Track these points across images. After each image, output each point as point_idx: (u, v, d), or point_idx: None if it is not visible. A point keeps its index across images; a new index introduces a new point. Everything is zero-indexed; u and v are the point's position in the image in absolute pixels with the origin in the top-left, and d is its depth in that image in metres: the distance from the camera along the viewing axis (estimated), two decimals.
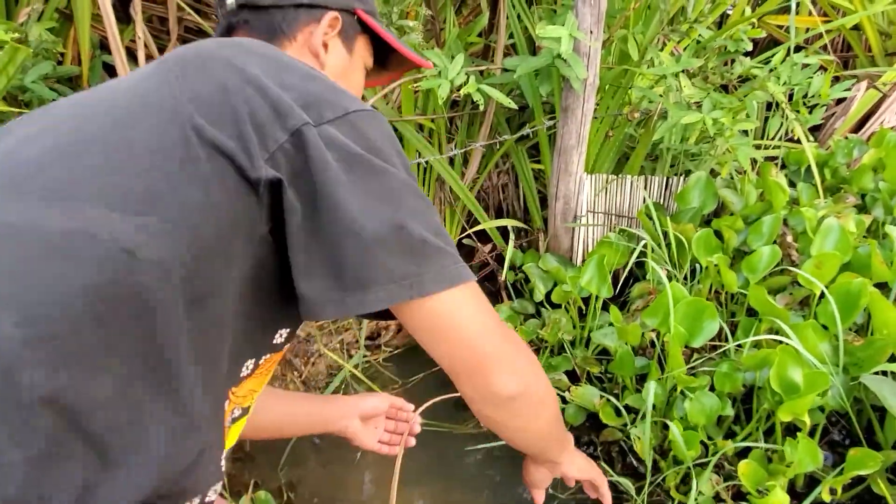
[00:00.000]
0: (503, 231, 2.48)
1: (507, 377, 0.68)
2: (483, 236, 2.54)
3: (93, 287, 0.55)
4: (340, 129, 0.62)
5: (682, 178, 2.39)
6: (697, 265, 2.11)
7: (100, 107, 0.64)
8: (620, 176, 2.26)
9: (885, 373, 1.57)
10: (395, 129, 2.42)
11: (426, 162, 2.34)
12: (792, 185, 2.50)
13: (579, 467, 1.02)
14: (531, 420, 0.73)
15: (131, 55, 1.95)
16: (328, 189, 0.60)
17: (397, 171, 0.65)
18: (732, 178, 2.40)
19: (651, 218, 2.20)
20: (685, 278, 2.12)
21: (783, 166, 2.80)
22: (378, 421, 1.29)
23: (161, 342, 0.59)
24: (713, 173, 2.45)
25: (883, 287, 1.80)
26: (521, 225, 2.49)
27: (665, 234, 2.17)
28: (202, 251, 0.60)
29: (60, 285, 0.54)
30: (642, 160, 2.41)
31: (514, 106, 1.90)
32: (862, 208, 2.41)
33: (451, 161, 2.61)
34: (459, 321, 0.65)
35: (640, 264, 2.22)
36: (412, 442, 1.29)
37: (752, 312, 2.02)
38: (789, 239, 2.05)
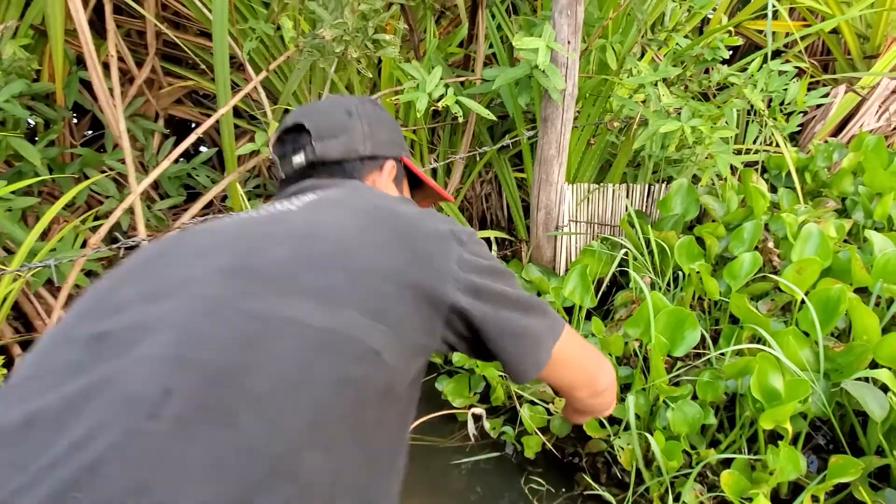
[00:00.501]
0: (487, 242, 2.48)
1: (603, 378, 0.96)
2: None
3: (348, 379, 0.64)
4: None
5: (664, 186, 2.40)
6: (680, 272, 2.12)
7: (322, 232, 0.74)
8: (602, 185, 2.26)
9: (866, 379, 1.58)
10: None
11: None
12: (773, 189, 2.52)
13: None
14: (611, 397, 1.03)
15: (108, 71, 1.94)
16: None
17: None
18: (714, 184, 2.41)
19: (633, 226, 2.20)
20: (668, 286, 2.13)
21: (764, 171, 2.82)
22: None
23: (382, 433, 0.69)
24: (695, 179, 2.46)
25: (863, 292, 1.81)
26: (504, 235, 2.49)
27: (647, 242, 2.17)
28: (408, 362, 0.72)
29: (330, 374, 0.63)
30: (624, 168, 2.41)
31: (492, 118, 1.90)
32: (842, 212, 2.42)
33: (434, 172, 2.61)
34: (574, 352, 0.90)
35: (624, 272, 2.23)
36: None
37: (734, 319, 2.03)
38: (770, 245, 2.06)
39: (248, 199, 2.24)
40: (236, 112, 2.47)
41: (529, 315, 0.82)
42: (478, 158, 2.53)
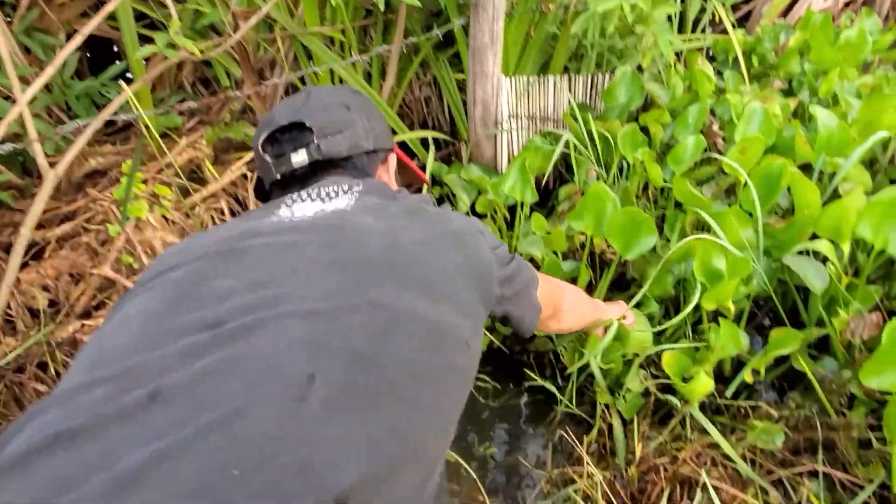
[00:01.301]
0: (425, 143, 2.37)
1: (565, 302, 1.23)
2: (409, 152, 2.42)
3: (455, 367, 0.72)
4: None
5: (608, 76, 2.30)
6: (626, 163, 2.05)
7: (393, 234, 0.78)
8: (543, 77, 2.15)
9: (807, 252, 1.56)
10: (302, 44, 2.25)
11: (340, 79, 2.19)
12: (721, 75, 2.44)
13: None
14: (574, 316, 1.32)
15: None
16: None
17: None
18: (660, 72, 2.31)
19: (576, 118, 2.11)
20: (614, 178, 2.06)
21: (713, 58, 2.73)
22: None
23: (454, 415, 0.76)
24: (640, 70, 2.36)
25: (807, 169, 1.77)
26: (442, 136, 2.38)
27: (592, 134, 2.09)
28: (479, 348, 0.84)
29: (443, 363, 0.70)
30: (565, 59, 2.29)
31: (417, 4, 1.75)
32: (789, 92, 2.37)
33: (369, 77, 2.46)
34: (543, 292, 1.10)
35: (570, 168, 2.15)
36: None
37: (679, 206, 1.99)
38: (715, 128, 2.00)
39: (167, 114, 2.08)
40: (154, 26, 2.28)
41: (521, 274, 0.99)
42: (413, 57, 2.38)
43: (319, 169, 0.94)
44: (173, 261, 0.74)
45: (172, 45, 1.66)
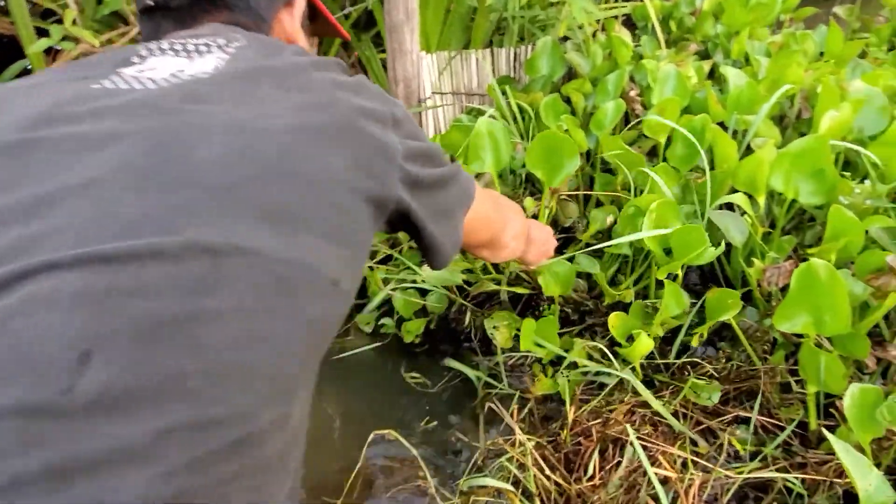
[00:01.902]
0: None
1: (508, 232, 1.03)
2: None
3: (310, 321, 0.54)
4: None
5: (531, 49, 2.30)
6: None
7: (257, 123, 0.57)
8: (465, 52, 2.14)
9: (729, 206, 1.60)
10: None
11: None
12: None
13: (535, 257, 1.32)
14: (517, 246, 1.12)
15: None
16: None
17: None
18: (581, 42, 2.33)
19: (502, 92, 2.11)
20: None
21: (633, 25, 2.77)
22: None
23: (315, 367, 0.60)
24: (566, 40, 2.38)
25: (721, 128, 1.81)
26: None
27: (518, 107, 2.10)
28: (359, 276, 0.65)
29: (293, 320, 0.51)
30: (487, 34, 2.30)
31: None
32: (705, 55, 2.42)
33: None
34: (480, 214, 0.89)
35: None
36: None
37: (606, 171, 2.02)
38: (633, 94, 2.03)
39: None
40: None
41: (451, 188, 0.77)
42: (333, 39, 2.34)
43: (202, 7, 0.75)
44: None
45: (74, 38, 1.58)
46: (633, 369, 1.43)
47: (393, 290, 1.73)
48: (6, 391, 0.37)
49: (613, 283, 1.71)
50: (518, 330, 1.55)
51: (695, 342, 1.46)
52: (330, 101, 0.61)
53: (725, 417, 1.35)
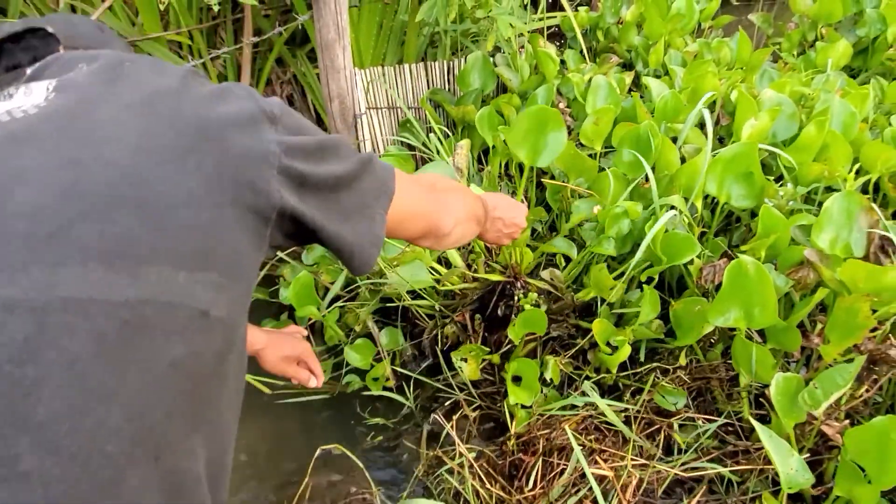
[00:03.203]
0: None
1: (447, 220, 0.92)
2: None
3: (175, 362, 0.47)
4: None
5: (463, 61, 2.34)
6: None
7: (90, 151, 0.48)
8: (399, 67, 2.16)
9: (672, 207, 1.66)
10: (142, 51, 2.13)
11: None
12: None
13: (496, 236, 1.22)
14: (465, 230, 1.02)
15: None
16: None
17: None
18: (507, 55, 2.39)
19: (435, 105, 2.15)
20: (478, 159, 2.12)
21: (562, 36, 2.86)
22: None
23: (223, 406, 0.55)
24: (498, 51, 2.43)
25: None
26: None
27: (454, 122, 2.13)
28: (243, 300, 0.57)
29: (148, 369, 0.45)
30: (420, 48, 2.32)
31: (255, 3, 1.71)
32: (627, 66, 2.52)
33: (225, 79, 2.38)
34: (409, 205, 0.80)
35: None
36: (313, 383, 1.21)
37: (540, 182, 2.07)
38: (562, 106, 2.09)
39: None
40: None
41: (362, 182, 0.68)
42: (268, 54, 2.32)
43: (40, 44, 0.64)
44: None
45: None
46: (611, 372, 1.47)
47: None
48: None
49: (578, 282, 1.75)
50: (484, 360, 1.58)
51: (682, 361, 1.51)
52: (178, 115, 0.54)
53: (678, 418, 1.41)
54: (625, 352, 1.39)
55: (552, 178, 1.91)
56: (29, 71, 0.57)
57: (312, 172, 0.60)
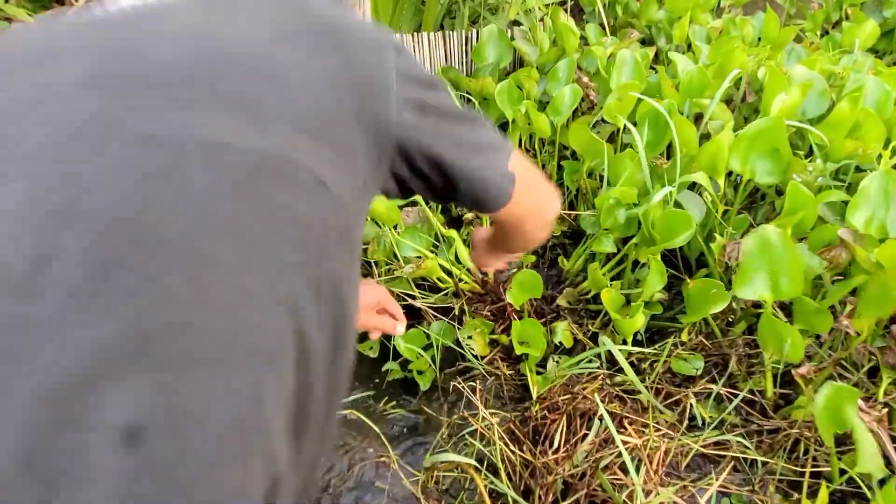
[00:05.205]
0: None
1: (554, 204, 0.84)
2: None
3: (295, 216, 0.46)
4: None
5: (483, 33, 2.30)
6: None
7: (226, 32, 0.51)
8: (417, 35, 2.12)
9: (691, 186, 1.64)
10: None
11: None
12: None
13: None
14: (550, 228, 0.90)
15: None
16: None
17: None
18: (530, 31, 2.34)
19: (450, 77, 2.11)
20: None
21: (581, 11, 2.81)
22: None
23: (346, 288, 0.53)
24: (517, 24, 2.39)
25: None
26: None
27: (469, 94, 2.09)
28: (358, 200, 0.55)
29: (273, 212, 0.45)
30: (438, 17, 2.28)
31: None
32: (647, 42, 2.48)
33: None
34: (527, 173, 0.75)
35: None
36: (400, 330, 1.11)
37: (563, 157, 2.04)
38: (585, 80, 2.05)
39: None
40: None
41: (478, 128, 0.65)
42: None
43: None
44: None
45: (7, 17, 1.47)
46: (625, 341, 1.46)
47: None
48: None
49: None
50: (492, 334, 1.57)
51: (683, 336, 1.51)
52: (308, 8, 0.55)
53: (694, 389, 1.39)
54: (640, 318, 1.37)
55: (574, 155, 1.89)
56: None
57: (431, 98, 0.58)
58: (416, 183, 0.62)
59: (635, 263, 1.60)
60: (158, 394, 0.36)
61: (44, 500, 0.33)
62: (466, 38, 2.27)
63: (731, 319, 1.52)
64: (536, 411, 1.37)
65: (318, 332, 0.47)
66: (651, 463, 1.23)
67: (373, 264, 1.74)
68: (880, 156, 1.49)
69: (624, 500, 1.15)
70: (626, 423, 1.31)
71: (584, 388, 1.38)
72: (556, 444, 1.28)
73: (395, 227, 1.68)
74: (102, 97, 0.43)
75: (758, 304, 1.41)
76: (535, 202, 0.77)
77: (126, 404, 0.35)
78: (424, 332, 1.56)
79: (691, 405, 1.36)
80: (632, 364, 1.47)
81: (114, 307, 0.37)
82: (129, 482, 0.35)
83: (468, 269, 1.64)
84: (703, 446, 1.29)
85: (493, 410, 1.42)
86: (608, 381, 1.42)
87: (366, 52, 0.54)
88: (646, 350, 1.49)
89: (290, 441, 0.45)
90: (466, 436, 1.35)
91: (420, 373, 1.53)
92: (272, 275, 0.44)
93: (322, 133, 0.50)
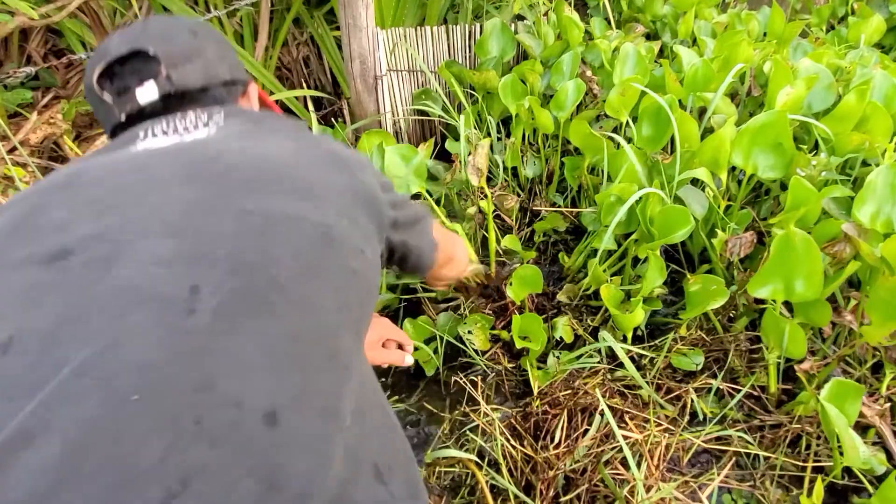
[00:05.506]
0: (304, 102, 2.28)
1: (458, 250, 1.19)
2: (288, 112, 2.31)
3: (353, 270, 0.65)
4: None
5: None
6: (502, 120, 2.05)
7: (261, 152, 0.69)
8: (420, 29, 2.11)
9: (693, 181, 1.63)
10: (162, 5, 2.08)
11: None
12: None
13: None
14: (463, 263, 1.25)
15: None
16: None
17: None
18: (533, 25, 2.33)
19: (453, 71, 2.09)
20: (497, 128, 2.07)
21: (585, 5, 2.80)
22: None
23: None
24: (521, 18, 2.38)
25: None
26: (320, 94, 2.29)
27: (472, 88, 2.08)
28: (377, 266, 0.76)
29: (339, 264, 0.64)
30: (441, 11, 2.27)
31: None
32: (654, 36, 2.46)
33: (241, 38, 2.32)
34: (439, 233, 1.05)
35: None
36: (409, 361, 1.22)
37: (566, 152, 2.03)
38: (588, 74, 2.04)
39: (15, 90, 1.86)
40: None
41: (415, 208, 0.95)
42: (285, 15, 2.26)
43: (172, 106, 0.78)
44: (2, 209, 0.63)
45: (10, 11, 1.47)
46: (625, 337, 1.46)
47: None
48: (128, 321, 0.50)
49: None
50: (492, 329, 1.56)
51: (682, 331, 1.50)
52: (318, 144, 0.76)
53: (694, 384, 1.39)
54: (639, 313, 1.36)
55: (577, 151, 1.87)
56: (160, 124, 0.73)
57: (393, 199, 0.85)
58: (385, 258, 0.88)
59: (636, 260, 1.60)
60: (293, 387, 0.52)
61: None
62: (470, 32, 2.26)
63: (732, 315, 1.51)
64: (537, 406, 1.36)
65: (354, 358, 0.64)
66: (652, 458, 1.23)
67: None
68: (885, 151, 1.48)
69: (625, 496, 1.15)
70: (626, 418, 1.30)
71: (584, 384, 1.38)
72: (557, 440, 1.27)
73: None
74: (199, 188, 0.60)
75: (760, 300, 1.40)
76: (443, 253, 1.07)
77: (266, 392, 0.50)
78: (431, 319, 1.57)
79: (692, 400, 1.36)
80: (632, 359, 1.47)
81: (243, 322, 0.52)
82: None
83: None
84: (705, 441, 1.28)
85: (494, 406, 1.41)
86: (609, 377, 1.42)
87: (361, 171, 0.76)
88: (644, 346, 1.48)
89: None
90: (468, 431, 1.35)
91: (426, 361, 1.54)
92: (353, 312, 0.64)
93: (352, 219, 0.69)
